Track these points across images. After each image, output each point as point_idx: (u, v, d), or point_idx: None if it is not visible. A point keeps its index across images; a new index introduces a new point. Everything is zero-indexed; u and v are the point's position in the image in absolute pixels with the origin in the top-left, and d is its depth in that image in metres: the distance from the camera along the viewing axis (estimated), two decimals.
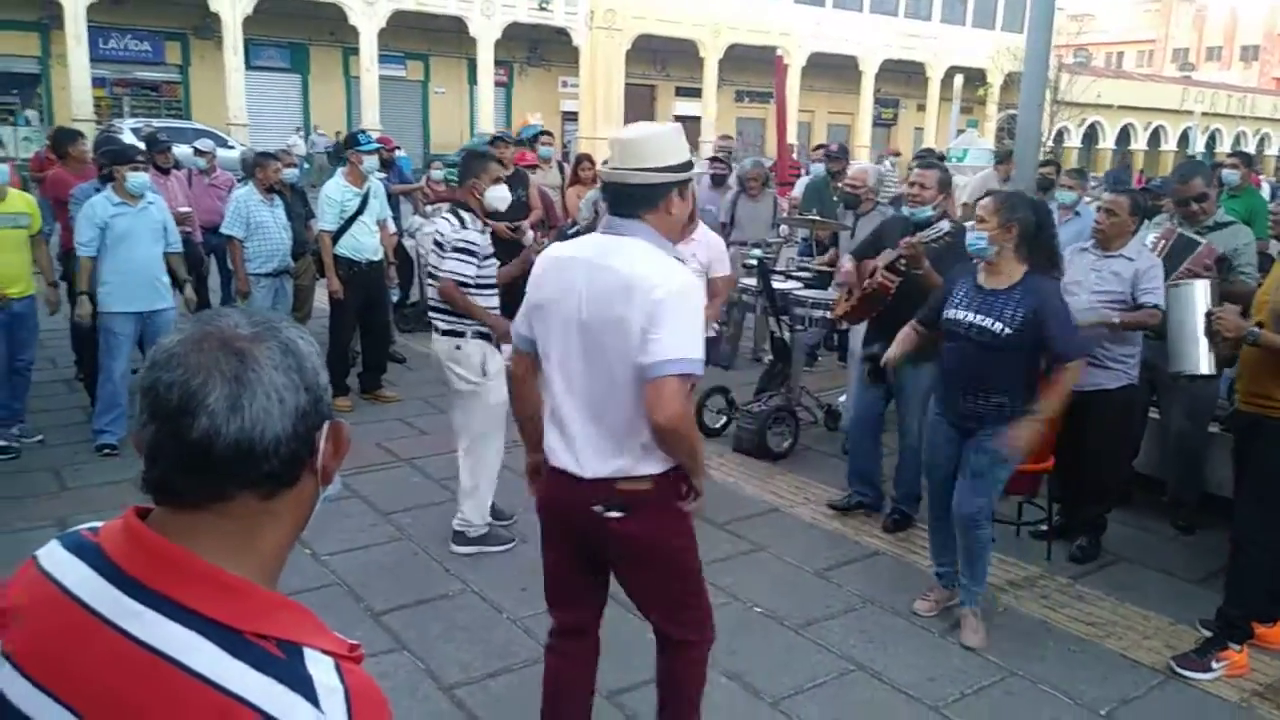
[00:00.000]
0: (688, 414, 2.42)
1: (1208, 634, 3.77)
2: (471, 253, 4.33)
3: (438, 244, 4.42)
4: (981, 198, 7.62)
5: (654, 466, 2.47)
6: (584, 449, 2.49)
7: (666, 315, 2.32)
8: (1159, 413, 4.99)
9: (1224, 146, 41.69)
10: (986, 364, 3.66)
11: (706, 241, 5.13)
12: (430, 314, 4.55)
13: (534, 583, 4.21)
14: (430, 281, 4.50)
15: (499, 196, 4.50)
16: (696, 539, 2.70)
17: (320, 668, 0.93)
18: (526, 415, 2.74)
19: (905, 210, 4.83)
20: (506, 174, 7.49)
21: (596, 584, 2.81)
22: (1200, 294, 3.78)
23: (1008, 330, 3.59)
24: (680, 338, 2.32)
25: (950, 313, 3.77)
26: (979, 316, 3.66)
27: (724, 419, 6.41)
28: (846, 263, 5.04)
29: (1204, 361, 3.77)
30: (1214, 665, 3.62)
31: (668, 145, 2.48)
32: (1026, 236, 3.66)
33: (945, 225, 4.59)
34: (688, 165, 2.52)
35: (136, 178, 5.51)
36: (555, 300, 2.49)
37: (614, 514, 2.48)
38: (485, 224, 4.51)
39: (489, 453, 4.48)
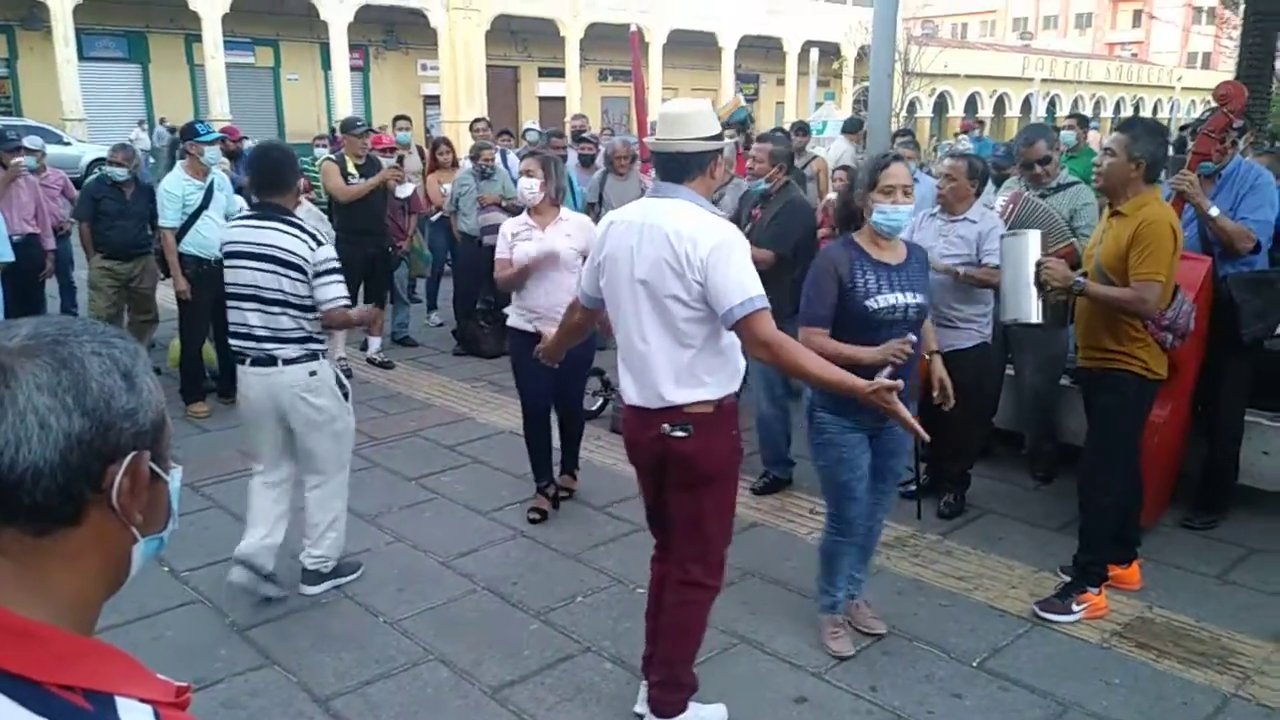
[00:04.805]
0: (776, 341, 2.72)
1: (1067, 578, 3.94)
2: (341, 269, 3.85)
3: (285, 263, 3.74)
4: (840, 169, 7.81)
5: (713, 393, 2.88)
6: (653, 385, 2.88)
7: (719, 265, 2.70)
8: (1013, 369, 5.18)
9: (1063, 111, 43.82)
10: (914, 346, 3.32)
11: (578, 223, 4.79)
12: (258, 344, 3.81)
13: (411, 583, 4.12)
14: (270, 308, 3.77)
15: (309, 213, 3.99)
16: (737, 484, 3.09)
17: (135, 718, 0.83)
18: (569, 331, 3.38)
19: (745, 184, 5.02)
20: (360, 162, 7.33)
21: None
22: (1033, 244, 3.86)
23: (926, 300, 3.43)
24: (739, 281, 2.70)
25: (879, 300, 3.31)
26: (910, 295, 3.35)
27: (601, 400, 6.37)
28: None
29: (1034, 310, 3.84)
30: (1075, 608, 3.78)
31: (708, 119, 2.91)
32: None
33: (761, 185, 4.91)
34: (721, 135, 2.97)
35: None
36: (615, 259, 2.90)
37: (679, 433, 2.86)
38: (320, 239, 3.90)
39: (345, 483, 4.13)
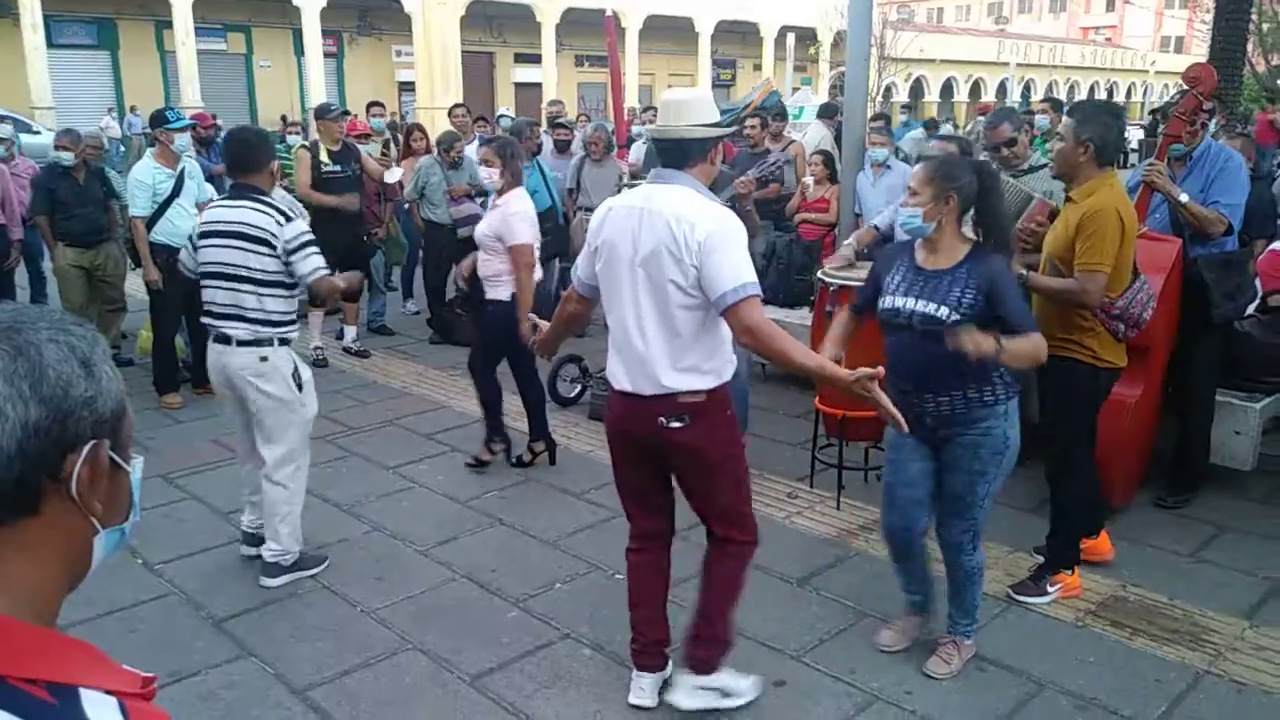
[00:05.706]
0: (761, 328, 2.73)
1: (1041, 559, 3.97)
2: (316, 241, 3.92)
3: (253, 239, 3.81)
4: (817, 153, 7.81)
5: (707, 382, 2.89)
6: (647, 372, 2.88)
7: (716, 250, 2.73)
8: None
9: (1038, 95, 43.98)
10: (937, 357, 3.03)
11: (502, 212, 4.82)
12: (217, 321, 3.90)
13: (389, 572, 4.10)
14: (235, 285, 3.85)
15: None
16: (745, 456, 3.14)
17: (100, 710, 0.82)
18: (564, 322, 3.32)
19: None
20: (335, 148, 7.26)
21: (664, 494, 3.17)
22: None
23: (955, 315, 3.03)
24: (731, 268, 2.73)
25: (888, 300, 3.18)
26: (922, 303, 3.09)
27: (578, 388, 6.36)
28: None
29: None
30: (1049, 590, 3.81)
31: (709, 106, 2.97)
32: (969, 207, 3.14)
33: (775, 155, 4.77)
34: (722, 123, 3.03)
35: None
36: (613, 243, 2.90)
37: (675, 424, 2.88)
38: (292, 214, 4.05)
39: (302, 472, 4.06)
